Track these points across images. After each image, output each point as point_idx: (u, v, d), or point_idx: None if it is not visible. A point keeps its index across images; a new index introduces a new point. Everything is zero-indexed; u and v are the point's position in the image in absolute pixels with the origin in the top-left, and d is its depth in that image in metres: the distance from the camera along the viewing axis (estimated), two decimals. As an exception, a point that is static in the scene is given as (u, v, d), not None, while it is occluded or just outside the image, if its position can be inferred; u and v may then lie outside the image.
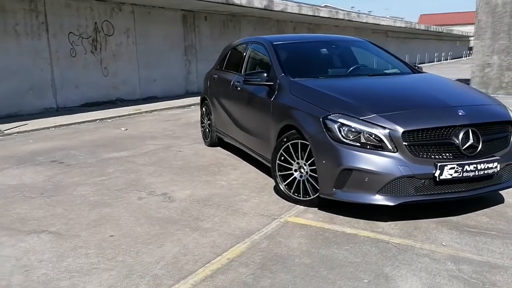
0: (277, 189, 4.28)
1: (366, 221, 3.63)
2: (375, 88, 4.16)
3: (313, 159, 3.73)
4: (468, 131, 3.42)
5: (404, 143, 3.36)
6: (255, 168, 5.30)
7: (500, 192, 4.12)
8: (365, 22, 24.43)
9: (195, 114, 9.86)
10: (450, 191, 3.46)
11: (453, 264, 2.91)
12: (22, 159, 6.17)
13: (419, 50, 39.95)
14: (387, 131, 3.38)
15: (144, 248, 3.21)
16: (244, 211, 3.93)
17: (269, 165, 4.35)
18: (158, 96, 13.49)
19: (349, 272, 2.82)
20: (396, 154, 3.36)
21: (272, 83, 4.51)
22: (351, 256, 3.04)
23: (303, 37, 5.97)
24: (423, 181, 3.39)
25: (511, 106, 4.21)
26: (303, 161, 3.92)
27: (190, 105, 12.05)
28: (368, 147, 3.43)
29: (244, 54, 5.62)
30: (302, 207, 3.97)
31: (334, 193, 3.58)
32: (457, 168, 3.35)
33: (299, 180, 3.99)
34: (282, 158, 4.09)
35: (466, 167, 3.37)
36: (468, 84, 12.27)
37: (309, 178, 3.88)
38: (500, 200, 4.07)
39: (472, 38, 44.45)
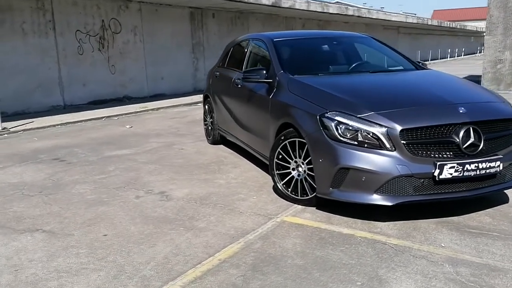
0: (275, 188, 4.22)
1: (364, 221, 3.54)
2: (375, 85, 4.06)
3: (310, 157, 3.65)
4: (469, 129, 3.31)
5: (402, 141, 3.26)
6: (255, 167, 5.23)
7: (505, 191, 4.00)
8: (376, 18, 24.16)
9: (202, 111, 9.81)
10: (450, 191, 3.36)
11: (451, 266, 2.82)
12: (25, 157, 6.19)
13: (431, 46, 39.43)
14: (384, 129, 3.29)
15: (136, 248, 3.17)
16: (240, 210, 3.87)
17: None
18: (166, 94, 13.49)
19: (342, 274, 2.75)
20: (394, 153, 3.27)
21: (271, 81, 4.44)
22: (346, 257, 2.97)
23: (305, 33, 5.88)
24: (422, 180, 3.30)
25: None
26: (301, 160, 3.84)
27: (197, 103, 12.01)
28: (365, 145, 3.34)
29: (245, 51, 5.56)
30: (300, 206, 3.90)
31: (331, 193, 3.50)
32: (457, 167, 3.25)
33: (296, 179, 3.92)
34: (280, 156, 4.02)
35: (467, 166, 3.27)
36: (480, 80, 12.06)
37: (307, 177, 3.80)
38: (505, 199, 3.95)
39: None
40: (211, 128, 6.57)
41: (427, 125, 3.28)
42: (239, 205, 4.00)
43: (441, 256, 2.95)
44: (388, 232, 3.34)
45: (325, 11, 17.98)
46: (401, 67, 4.86)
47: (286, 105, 4.03)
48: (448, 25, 39.15)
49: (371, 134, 3.33)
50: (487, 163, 3.32)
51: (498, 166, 3.38)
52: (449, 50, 43.39)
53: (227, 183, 4.67)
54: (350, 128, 3.39)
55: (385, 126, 3.29)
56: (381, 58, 5.05)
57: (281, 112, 4.10)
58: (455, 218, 3.56)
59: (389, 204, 3.30)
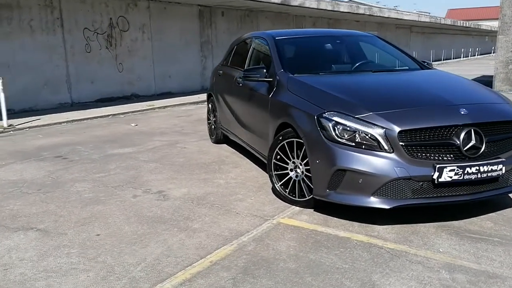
0: (274, 189, 4.15)
1: (361, 224, 3.47)
2: (375, 85, 3.97)
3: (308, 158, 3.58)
4: (470, 131, 3.21)
5: (400, 143, 3.18)
6: (256, 167, 5.18)
7: (509, 195, 3.89)
8: (387, 17, 23.89)
9: (207, 110, 9.79)
10: (450, 194, 3.27)
11: (447, 272, 2.73)
12: (28, 154, 6.21)
13: (445, 45, 38.95)
14: (382, 130, 3.20)
15: (128, 249, 3.13)
16: (237, 211, 3.82)
17: (268, 163, 4.22)
18: (174, 92, 13.49)
19: (335, 279, 2.68)
20: (392, 155, 3.19)
21: (271, 79, 4.38)
22: (340, 261, 2.89)
23: (308, 32, 5.79)
24: (421, 183, 3.21)
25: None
26: (299, 161, 3.78)
27: (204, 101, 11.89)
28: (363, 147, 3.26)
29: (248, 49, 5.50)
30: (297, 208, 3.83)
31: (327, 195, 3.43)
32: (457, 170, 3.15)
33: (294, 180, 3.85)
34: (278, 157, 3.95)
35: (468, 169, 3.17)
36: (491, 81, 11.84)
37: (305, 178, 3.73)
38: (509, 203, 3.84)
39: (501, 33, 43.17)
40: (214, 127, 6.52)
41: (426, 127, 3.19)
42: (236, 205, 3.95)
43: (438, 262, 2.86)
44: (385, 236, 3.26)
45: (335, 9, 17.83)
46: (405, 67, 4.76)
47: (285, 105, 3.96)
48: (462, 24, 38.61)
49: (369, 135, 3.25)
50: (489, 166, 3.22)
51: (501, 169, 3.28)
52: (463, 49, 42.83)
53: (226, 183, 4.62)
54: (348, 129, 3.31)
55: (383, 127, 3.21)
56: (385, 57, 4.96)
57: (280, 111, 4.04)
58: (455, 222, 3.47)
59: (387, 207, 3.22)
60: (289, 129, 3.84)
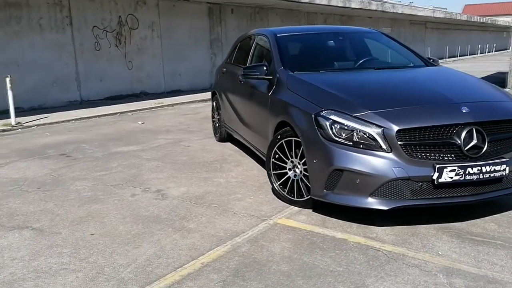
0: (273, 189, 4.08)
1: (360, 225, 3.38)
2: (376, 83, 3.87)
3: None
4: (472, 130, 3.09)
5: (399, 142, 3.08)
6: (258, 165, 5.11)
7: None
8: (401, 13, 23.56)
9: (214, 108, 9.75)
10: (451, 195, 3.16)
11: (445, 277, 2.63)
12: (33, 152, 6.24)
13: (460, 41, 38.33)
14: (380, 129, 3.11)
15: (120, 249, 3.10)
16: (234, 211, 3.76)
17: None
18: (183, 90, 13.48)
19: (327, 283, 2.60)
20: (390, 155, 3.09)
21: (271, 77, 4.30)
22: (334, 264, 2.82)
23: (312, 28, 5.68)
24: (420, 184, 3.11)
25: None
26: (297, 160, 3.70)
27: (212, 99, 11.95)
28: (361, 146, 3.17)
29: (250, 47, 5.43)
30: (296, 208, 3.76)
31: (325, 195, 3.35)
32: (458, 170, 3.05)
33: (293, 180, 3.78)
34: (277, 156, 3.88)
35: (469, 169, 3.06)
36: (505, 78, 11.57)
37: (303, 178, 3.65)
38: (515, 205, 3.71)
39: (518, 29, 42.33)
40: (218, 125, 6.47)
41: (426, 126, 3.08)
42: (234, 205, 3.89)
43: (436, 265, 2.77)
44: (383, 238, 3.16)
45: (346, 6, 17.62)
46: (410, 64, 4.63)
47: (284, 103, 3.89)
48: (478, 20, 37.92)
49: (367, 135, 3.16)
50: (491, 166, 3.11)
51: (504, 169, 3.16)
52: (479, 45, 42.09)
53: (226, 182, 4.56)
54: (345, 127, 3.23)
55: (381, 126, 3.11)
56: (390, 54, 4.84)
57: (279, 110, 3.96)
58: (457, 224, 3.36)
59: (385, 208, 3.13)
60: (288, 127, 3.76)
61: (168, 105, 10.95)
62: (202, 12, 13.98)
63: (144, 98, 12.01)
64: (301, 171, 3.67)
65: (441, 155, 3.10)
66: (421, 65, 4.60)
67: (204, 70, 14.39)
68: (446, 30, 36.23)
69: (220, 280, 2.66)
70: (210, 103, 7.29)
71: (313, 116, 3.40)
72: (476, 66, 23.40)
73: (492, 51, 45.22)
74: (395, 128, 3.08)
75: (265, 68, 4.36)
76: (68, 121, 8.92)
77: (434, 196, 3.14)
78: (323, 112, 3.35)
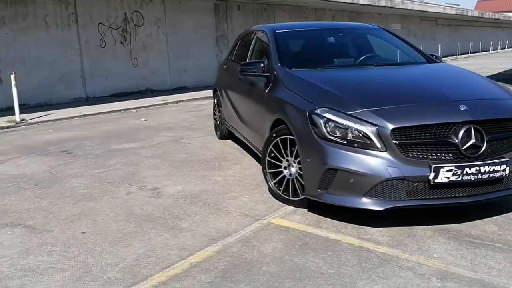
0: (269, 188, 4.02)
1: (355, 226, 3.31)
2: (374, 80, 3.78)
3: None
4: (470, 128, 3.00)
5: (394, 141, 3.00)
6: (257, 164, 5.05)
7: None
8: (411, 9, 23.29)
9: (218, 105, 9.70)
10: (448, 196, 3.07)
11: (438, 280, 2.55)
12: (34, 149, 6.24)
13: (472, 38, 37.81)
14: (375, 128, 3.03)
15: (110, 248, 3.06)
16: (228, 210, 3.71)
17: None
18: (189, 87, 13.45)
19: (317, 285, 2.54)
20: (385, 154, 3.01)
21: (268, 74, 4.23)
22: (326, 266, 2.75)
23: (312, 24, 5.59)
24: (416, 184, 3.02)
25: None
26: (292, 159, 3.63)
27: (218, 96, 11.91)
28: (355, 145, 3.09)
29: (250, 43, 5.36)
30: (291, 207, 3.70)
31: (319, 195, 3.28)
32: (455, 170, 2.96)
33: (288, 179, 3.71)
34: (272, 154, 3.82)
35: (467, 169, 2.97)
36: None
37: (298, 177, 3.58)
38: (517, 206, 3.61)
39: (532, 25, 41.62)
40: (219, 122, 6.42)
41: (422, 124, 2.99)
42: (229, 204, 3.84)
43: (431, 269, 2.69)
44: (378, 239, 3.09)
45: (355, 2, 17.45)
46: (411, 60, 4.53)
47: (280, 100, 3.82)
48: (490, 16, 37.37)
49: (362, 133, 3.08)
50: (490, 166, 3.01)
51: (504, 170, 3.06)
52: (492, 42, 41.49)
53: (223, 180, 4.51)
54: (340, 126, 3.15)
55: (376, 125, 3.03)
56: (391, 50, 4.74)
57: (275, 107, 3.89)
58: (456, 226, 3.27)
59: (379, 209, 3.05)
60: (283, 125, 3.70)
61: (172, 102, 10.93)
62: (208, 8, 13.93)
63: (149, 95, 12.01)
64: (296, 170, 3.60)
65: (438, 154, 3.01)
66: (422, 62, 4.50)
67: (210, 67, 14.31)
68: (458, 27, 35.76)
69: (207, 281, 2.61)
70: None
71: (307, 113, 3.33)
72: (487, 63, 23.06)
73: (505, 48, 44.54)
74: (390, 126, 2.99)
75: (262, 64, 4.29)
76: (72, 118, 8.94)
77: (431, 197, 3.06)
78: (318, 110, 3.28)
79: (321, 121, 3.21)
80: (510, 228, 3.22)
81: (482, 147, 3.02)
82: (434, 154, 3.01)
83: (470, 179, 3.00)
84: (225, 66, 6.14)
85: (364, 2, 18.14)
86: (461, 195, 3.08)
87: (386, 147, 3.01)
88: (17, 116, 8.34)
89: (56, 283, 2.63)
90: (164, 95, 11.90)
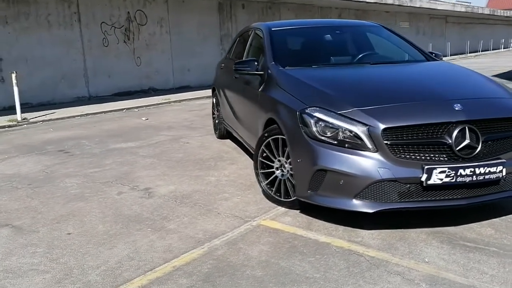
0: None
1: (346, 228, 3.21)
2: (368, 79, 3.67)
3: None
4: (464, 128, 2.89)
5: (385, 141, 2.90)
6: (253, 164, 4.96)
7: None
8: (419, 7, 23.03)
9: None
10: (442, 198, 2.96)
11: (428, 286, 2.46)
12: (33, 148, 6.23)
13: (483, 36, 37.32)
14: (365, 127, 2.93)
15: (94, 250, 3.01)
16: (219, 211, 3.64)
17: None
18: (192, 86, 13.41)
19: (301, 290, 2.45)
20: (376, 155, 2.91)
21: (262, 73, 4.15)
22: (312, 270, 2.66)
23: (309, 22, 5.46)
24: (408, 186, 2.92)
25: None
26: (284, 159, 3.55)
27: (221, 95, 11.85)
28: (346, 145, 3.00)
29: (247, 41, 5.28)
30: (282, 209, 3.61)
31: (309, 196, 3.19)
32: (448, 172, 2.85)
33: (280, 179, 3.63)
34: (264, 154, 3.74)
35: (461, 171, 2.86)
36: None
37: (290, 178, 3.50)
38: (516, 208, 3.49)
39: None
40: (217, 122, 6.36)
41: (413, 124, 2.89)
42: (219, 205, 3.77)
43: (421, 274, 2.59)
44: (369, 242, 2.99)
45: (361, 0, 17.27)
46: (410, 58, 4.42)
47: (272, 99, 3.74)
48: (502, 14, 36.84)
49: (353, 133, 2.98)
50: (486, 168, 2.90)
51: (500, 171, 2.95)
52: (503, 40, 40.93)
53: (217, 181, 4.44)
54: (330, 126, 3.06)
55: (366, 124, 2.94)
56: (389, 48, 4.63)
57: (268, 106, 3.81)
58: (451, 228, 3.16)
59: (370, 211, 2.96)
60: (275, 125, 3.61)
61: (175, 101, 10.89)
62: (212, 7, 13.87)
63: (152, 94, 11.98)
64: (288, 171, 3.52)
65: (431, 155, 2.91)
66: (421, 60, 4.38)
67: (214, 66, 14.07)
68: (468, 25, 35.34)
69: (189, 285, 2.54)
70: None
71: (297, 113, 3.24)
72: (497, 62, 22.74)
73: (517, 46, 43.90)
74: (381, 126, 2.90)
75: (256, 63, 4.22)
76: (74, 117, 8.93)
77: (424, 199, 2.96)
78: (308, 109, 3.19)
79: (312, 121, 3.13)
80: (507, 231, 3.11)
81: (477, 147, 2.91)
82: (427, 155, 2.91)
83: (465, 181, 2.89)
84: (223, 65, 6.07)
85: (371, 0, 17.95)
86: (455, 197, 2.97)
87: (377, 148, 2.92)
88: (19, 115, 8.35)
89: (36, 285, 2.58)
90: (167, 94, 11.87)
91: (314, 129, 3.11)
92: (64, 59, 10.47)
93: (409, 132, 2.90)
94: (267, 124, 3.83)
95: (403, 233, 3.11)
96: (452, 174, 2.86)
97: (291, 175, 3.46)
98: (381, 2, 18.78)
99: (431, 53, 4.59)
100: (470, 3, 34.04)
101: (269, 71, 4.05)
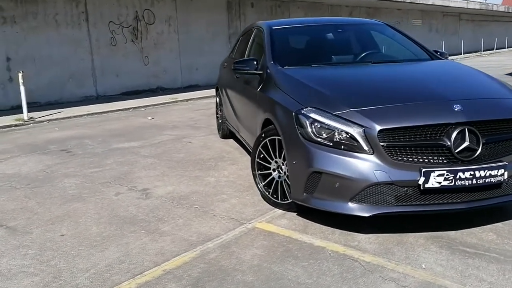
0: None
1: (343, 232, 3.13)
2: (366, 78, 3.58)
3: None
4: (464, 130, 2.79)
5: (381, 143, 2.81)
6: (254, 164, 4.90)
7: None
8: (432, 4, 22.70)
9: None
10: (441, 202, 2.87)
11: (423, 294, 2.37)
12: (35, 147, 6.25)
13: (498, 33, 36.73)
14: (361, 129, 2.85)
15: (85, 252, 2.97)
16: (215, 213, 3.58)
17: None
18: (200, 85, 13.38)
19: (291, 297, 2.39)
20: (372, 157, 2.83)
21: (261, 72, 4.08)
22: (304, 275, 2.59)
23: (312, 20, 5.37)
24: (405, 189, 2.83)
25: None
26: (281, 160, 3.48)
27: (229, 94, 11.81)
28: (342, 147, 2.92)
29: (249, 40, 5.22)
30: (279, 211, 3.54)
31: (304, 199, 3.12)
32: (447, 175, 2.76)
33: (277, 181, 3.56)
34: (261, 155, 3.67)
35: (460, 174, 2.76)
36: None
37: (287, 179, 3.43)
38: (520, 212, 3.37)
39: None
40: (221, 121, 6.31)
41: (411, 125, 2.80)
42: (216, 207, 3.71)
43: (416, 280, 2.50)
44: (365, 247, 2.91)
45: (372, -3, 17.08)
46: (413, 57, 4.31)
47: (269, 99, 3.67)
48: (517, 11, 36.17)
49: (349, 135, 2.90)
50: (486, 171, 2.80)
51: (502, 174, 2.84)
52: (517, 38, 40.22)
53: (216, 181, 4.39)
54: (326, 127, 2.98)
55: (362, 126, 2.85)
56: (393, 47, 4.52)
57: (265, 106, 3.75)
58: (452, 233, 3.06)
59: (366, 215, 2.87)
60: (272, 126, 3.55)
61: (182, 100, 10.87)
62: (220, 6, 13.82)
63: (160, 93, 11.98)
64: (285, 172, 3.45)
65: (429, 158, 2.81)
66: (425, 59, 4.27)
67: (223, 65, 14.25)
68: (483, 22, 34.81)
69: (177, 290, 2.49)
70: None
71: (294, 113, 3.17)
72: (511, 60, 22.32)
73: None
74: (377, 127, 2.81)
75: (255, 62, 4.15)
76: (80, 116, 8.96)
77: (422, 203, 2.86)
78: (304, 109, 3.12)
79: (307, 122, 3.05)
80: (510, 236, 3.00)
81: (477, 150, 2.81)
82: (425, 158, 2.82)
83: (464, 184, 2.79)
84: (226, 64, 6.01)
85: (382, -2, 17.76)
86: (454, 201, 2.88)
87: (374, 150, 2.83)
88: (25, 115, 8.40)
89: (23, 288, 2.55)
90: (175, 93, 11.86)
91: (309, 130, 3.03)
92: (72, 58, 10.52)
93: (406, 133, 2.81)
94: (264, 125, 3.76)
95: (401, 237, 3.02)
96: (451, 178, 2.77)
97: (288, 176, 3.39)
98: (392, -1, 18.57)
99: (436, 51, 4.48)
100: (485, 0, 33.55)
101: (268, 70, 3.98)
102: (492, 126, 2.89)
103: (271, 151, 3.56)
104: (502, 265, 2.64)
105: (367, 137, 2.83)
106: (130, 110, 9.74)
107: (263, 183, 3.69)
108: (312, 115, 3.04)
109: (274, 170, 3.58)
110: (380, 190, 2.84)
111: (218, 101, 6.50)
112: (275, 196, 3.59)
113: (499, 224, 3.18)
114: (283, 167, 3.47)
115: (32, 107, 8.64)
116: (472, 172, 2.77)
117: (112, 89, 11.40)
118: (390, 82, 3.46)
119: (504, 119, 2.92)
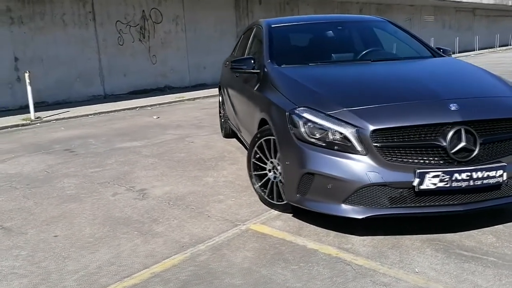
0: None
1: (338, 234, 3.07)
2: (364, 77, 3.50)
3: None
4: (460, 130, 2.71)
5: (374, 144, 2.74)
6: (253, 164, 4.85)
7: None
8: (444, 0, 22.37)
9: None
10: (437, 204, 2.79)
11: (414, 299, 2.30)
12: (40, 147, 6.28)
13: (513, 29, 36.06)
14: (354, 129, 2.79)
15: (76, 254, 2.96)
16: (210, 214, 3.55)
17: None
18: (208, 84, 13.37)
19: (278, 301, 2.34)
20: (365, 158, 2.76)
21: (258, 71, 4.03)
22: (293, 279, 2.54)
23: (312, 18, 5.28)
24: (400, 190, 2.76)
25: None
26: (276, 161, 3.43)
27: (236, 92, 11.77)
28: (335, 147, 2.86)
29: (249, 38, 5.17)
30: (275, 212, 3.50)
31: (298, 200, 3.07)
32: (442, 176, 2.68)
33: (273, 182, 3.51)
34: (257, 156, 3.62)
35: (456, 175, 2.68)
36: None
37: (282, 180, 3.38)
38: (523, 214, 3.27)
39: None
40: (223, 120, 6.27)
41: (405, 125, 2.72)
42: (212, 207, 3.68)
43: (408, 285, 2.43)
44: (359, 249, 2.85)
45: (382, -6, 16.88)
46: (414, 55, 4.22)
47: (265, 99, 3.62)
48: (533, 6, 35.45)
49: (342, 135, 2.84)
50: (484, 172, 2.71)
51: (501, 175, 2.75)
52: (533, 33, 39.41)
53: (214, 182, 4.35)
54: (319, 127, 2.92)
55: (355, 126, 2.79)
56: (394, 44, 4.43)
57: (261, 106, 3.70)
58: (449, 236, 2.98)
59: (359, 217, 2.81)
60: (267, 125, 3.50)
61: (188, 99, 10.87)
62: (228, 4, 13.78)
63: (168, 92, 12.00)
64: (280, 173, 3.40)
65: (424, 158, 2.74)
66: (427, 56, 4.17)
67: (231, 63, 14.21)
68: (498, 17, 34.21)
69: (164, 293, 2.46)
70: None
71: (287, 113, 3.11)
72: (526, 56, 21.90)
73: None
74: (370, 127, 2.74)
75: (252, 61, 4.10)
76: (87, 115, 9.01)
77: (417, 205, 2.79)
78: (297, 109, 3.06)
79: (300, 122, 2.99)
80: (510, 239, 2.91)
81: (474, 150, 2.72)
82: (420, 158, 2.74)
83: (460, 186, 2.71)
84: (227, 63, 5.96)
85: (392, -6, 17.54)
86: (451, 203, 2.79)
87: (367, 150, 2.76)
88: (32, 114, 8.47)
89: (11, 290, 2.55)
90: (182, 92, 11.87)
91: (302, 130, 2.98)
92: (79, 58, 10.59)
93: (400, 134, 2.74)
94: (260, 125, 3.71)
95: (396, 240, 2.95)
96: (447, 179, 2.69)
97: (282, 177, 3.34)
98: (403, -5, 18.33)
99: (439, 48, 4.37)
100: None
101: (265, 69, 3.93)
102: (490, 125, 2.80)
103: (266, 151, 3.52)
104: (499, 269, 2.56)
105: (360, 137, 2.77)
106: (137, 109, 9.77)
107: (259, 184, 3.64)
108: (305, 115, 2.98)
109: (269, 170, 3.53)
110: (374, 191, 2.77)
111: (220, 100, 6.46)
112: (270, 197, 3.54)
113: (500, 227, 3.09)
114: (278, 167, 3.41)
115: (40, 106, 8.72)
116: (468, 173, 2.69)
117: (120, 88, 11.44)
118: (387, 81, 3.38)
119: (503, 119, 2.82)
